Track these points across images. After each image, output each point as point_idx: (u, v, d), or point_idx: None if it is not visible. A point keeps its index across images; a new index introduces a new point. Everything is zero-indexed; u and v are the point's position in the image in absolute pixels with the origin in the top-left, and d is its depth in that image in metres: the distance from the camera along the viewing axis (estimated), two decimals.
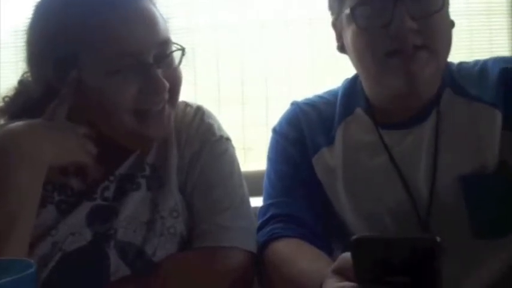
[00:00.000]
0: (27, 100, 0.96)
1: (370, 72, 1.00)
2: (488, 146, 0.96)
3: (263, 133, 1.67)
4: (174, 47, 0.94)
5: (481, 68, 1.04)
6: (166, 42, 0.92)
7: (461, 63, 1.08)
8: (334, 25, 1.07)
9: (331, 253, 1.00)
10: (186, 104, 1.05)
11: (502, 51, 1.78)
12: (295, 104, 1.14)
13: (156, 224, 0.94)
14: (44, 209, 0.91)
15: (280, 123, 1.14)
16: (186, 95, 1.02)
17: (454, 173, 0.97)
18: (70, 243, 0.90)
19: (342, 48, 1.06)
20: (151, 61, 0.88)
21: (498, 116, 0.97)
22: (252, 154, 1.73)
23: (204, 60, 1.74)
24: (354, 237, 0.60)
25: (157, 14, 0.92)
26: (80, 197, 0.94)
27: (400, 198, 0.99)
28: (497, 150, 0.96)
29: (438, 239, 0.56)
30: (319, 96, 1.15)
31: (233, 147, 1.06)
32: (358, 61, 1.01)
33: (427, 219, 0.97)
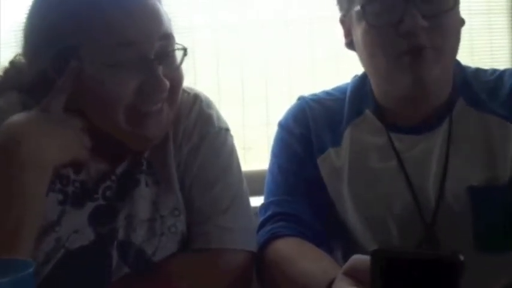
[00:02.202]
0: (16, 83, 0.93)
1: (380, 70, 0.99)
2: (500, 159, 0.96)
3: (263, 133, 1.68)
4: (176, 46, 0.92)
5: (497, 78, 1.03)
6: (168, 37, 0.90)
7: (478, 70, 1.07)
8: (343, 22, 1.05)
9: (330, 253, 1.00)
10: (183, 90, 1.01)
11: (502, 51, 1.78)
12: (302, 99, 1.13)
13: (156, 223, 0.93)
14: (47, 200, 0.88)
15: (286, 118, 1.12)
16: None
17: (463, 183, 0.96)
18: (73, 241, 0.90)
19: (350, 45, 1.05)
20: (153, 57, 0.87)
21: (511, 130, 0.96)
22: (252, 154, 1.73)
23: (204, 60, 1.74)
24: (374, 249, 0.59)
25: (161, 9, 0.90)
26: (82, 198, 0.93)
27: (406, 203, 0.98)
28: (509, 164, 0.95)
29: (462, 257, 0.54)
30: (327, 93, 1.14)
31: (231, 137, 1.03)
32: (367, 59, 1.00)
33: (431, 227, 0.97)
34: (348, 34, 1.05)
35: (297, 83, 1.73)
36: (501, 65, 1.58)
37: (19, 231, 0.80)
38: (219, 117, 1.02)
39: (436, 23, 0.93)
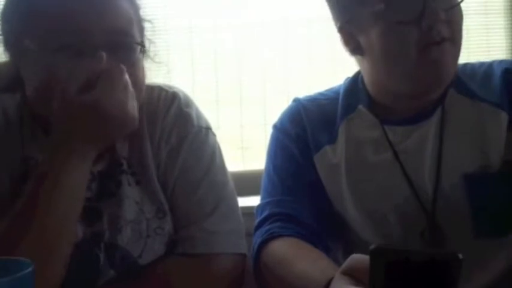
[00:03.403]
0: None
1: (402, 68, 0.97)
2: (493, 146, 0.97)
3: (261, 133, 1.68)
4: (135, 44, 0.88)
5: (486, 69, 1.04)
6: (123, 33, 0.87)
7: (466, 64, 1.08)
8: (342, 29, 1.04)
9: (328, 253, 1.00)
10: (161, 89, 0.98)
11: (499, 51, 1.78)
12: (297, 101, 1.13)
13: (141, 225, 0.92)
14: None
15: (281, 120, 1.13)
16: None
17: (458, 171, 0.97)
18: None
19: (356, 51, 1.03)
20: (102, 45, 0.83)
21: (504, 117, 0.97)
22: (250, 153, 1.73)
23: (202, 60, 1.74)
24: (373, 246, 0.59)
25: (123, 6, 0.88)
26: None
27: (404, 195, 0.99)
28: (502, 151, 0.96)
29: (460, 255, 0.55)
30: (321, 94, 1.14)
31: (214, 135, 1.01)
32: (385, 59, 0.99)
33: (432, 216, 0.97)
34: (349, 41, 1.03)
35: (296, 84, 1.73)
36: None
37: (63, 224, 0.80)
38: (199, 116, 0.99)
39: (451, 16, 0.94)
